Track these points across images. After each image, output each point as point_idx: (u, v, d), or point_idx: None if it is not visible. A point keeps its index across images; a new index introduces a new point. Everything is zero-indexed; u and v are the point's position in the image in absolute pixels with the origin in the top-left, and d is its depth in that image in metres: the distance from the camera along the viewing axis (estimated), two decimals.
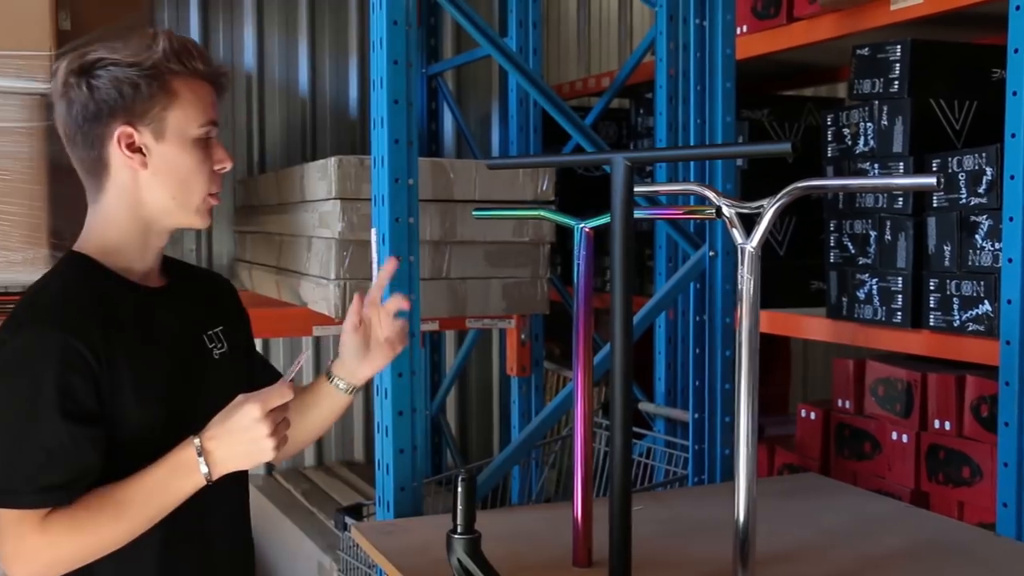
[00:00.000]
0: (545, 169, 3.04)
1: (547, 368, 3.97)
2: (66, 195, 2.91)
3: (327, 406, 1.84)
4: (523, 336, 3.48)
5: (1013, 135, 2.19)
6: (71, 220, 2.94)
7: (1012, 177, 2.20)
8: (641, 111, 3.80)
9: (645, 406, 3.52)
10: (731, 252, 2.70)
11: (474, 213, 2.16)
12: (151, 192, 1.57)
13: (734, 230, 1.76)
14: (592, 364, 1.99)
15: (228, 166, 1.61)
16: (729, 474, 2.77)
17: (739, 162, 3.06)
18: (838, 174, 2.79)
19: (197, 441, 1.46)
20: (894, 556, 2.03)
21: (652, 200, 2.66)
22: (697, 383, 2.75)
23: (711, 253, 2.68)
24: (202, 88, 1.57)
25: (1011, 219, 2.21)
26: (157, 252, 1.64)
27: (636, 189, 1.77)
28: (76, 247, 1.62)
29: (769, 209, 1.70)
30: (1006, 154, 2.21)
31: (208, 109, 1.57)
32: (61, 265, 1.61)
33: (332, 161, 2.90)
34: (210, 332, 1.69)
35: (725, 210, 1.76)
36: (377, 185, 2.31)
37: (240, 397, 1.48)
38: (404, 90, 2.27)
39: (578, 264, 1.96)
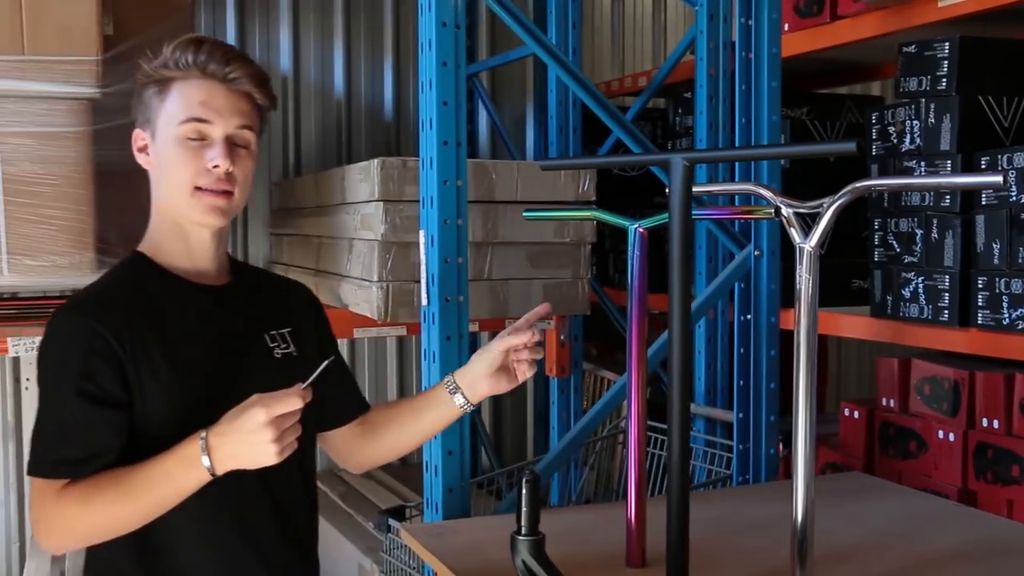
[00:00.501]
0: (587, 170, 3.04)
1: (585, 368, 3.97)
2: (112, 199, 2.94)
3: (436, 415, 1.87)
4: (563, 337, 3.48)
5: None
6: (117, 224, 2.97)
7: None
8: (680, 111, 3.79)
9: None
10: (776, 251, 2.69)
11: (524, 214, 2.17)
12: (159, 189, 1.68)
13: (792, 230, 1.76)
14: (646, 365, 1.99)
15: (221, 165, 1.61)
16: (774, 474, 2.77)
17: (782, 161, 3.05)
18: (883, 173, 2.78)
19: (203, 436, 1.48)
20: (950, 556, 2.02)
21: (697, 200, 2.65)
22: (742, 383, 2.74)
23: (756, 252, 2.67)
24: (195, 87, 1.61)
25: None
26: (206, 251, 1.69)
27: (694, 189, 1.77)
28: (139, 246, 1.73)
29: (829, 208, 1.70)
30: None
31: (193, 107, 1.60)
32: (120, 263, 1.73)
33: (375, 163, 2.91)
34: (274, 332, 1.74)
35: (784, 210, 1.76)
36: (426, 187, 2.32)
37: (253, 397, 1.48)
38: (453, 92, 2.27)
39: (632, 265, 1.96)
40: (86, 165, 2.84)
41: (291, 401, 1.46)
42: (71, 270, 2.83)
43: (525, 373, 1.82)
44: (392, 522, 2.96)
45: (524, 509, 1.55)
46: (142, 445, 1.54)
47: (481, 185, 2.98)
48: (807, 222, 1.77)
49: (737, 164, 2.72)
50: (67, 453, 1.52)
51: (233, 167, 1.62)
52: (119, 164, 2.98)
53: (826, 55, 3.29)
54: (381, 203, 2.90)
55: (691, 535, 1.82)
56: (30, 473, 1.54)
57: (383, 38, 4.39)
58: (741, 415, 2.74)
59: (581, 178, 3.09)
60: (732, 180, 2.95)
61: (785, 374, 2.77)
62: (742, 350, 2.73)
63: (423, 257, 2.36)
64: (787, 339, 2.81)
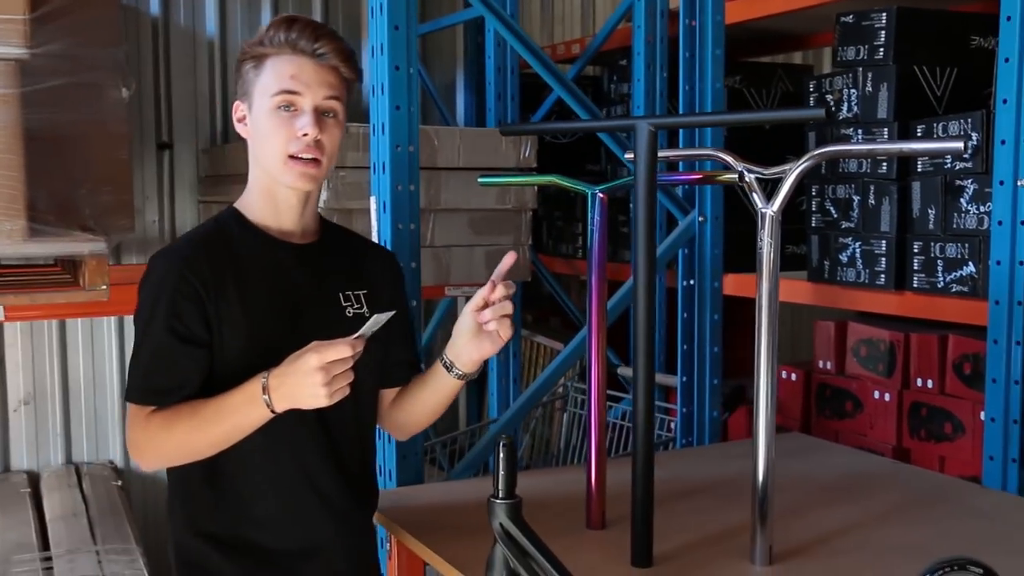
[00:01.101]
0: (529, 136, 3.04)
1: (521, 335, 4.00)
2: (44, 165, 2.83)
3: (436, 387, 1.90)
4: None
5: (1005, 101, 2.25)
6: (47, 190, 2.87)
7: (1003, 142, 2.26)
8: (615, 78, 3.81)
9: (623, 370, 3.56)
10: (719, 217, 2.73)
11: (480, 180, 2.16)
12: (254, 156, 1.80)
13: (754, 195, 1.79)
14: (606, 330, 2.02)
15: (310, 133, 1.71)
16: (717, 436, 2.83)
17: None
18: (820, 141, 2.84)
19: (265, 376, 1.62)
20: (896, 509, 2.10)
21: None
22: (685, 347, 2.79)
23: (701, 218, 2.71)
24: (288, 62, 1.73)
25: (1001, 183, 2.27)
26: (292, 212, 1.80)
27: (660, 154, 1.79)
28: (235, 203, 1.85)
29: (792, 174, 1.73)
30: (997, 119, 2.27)
31: (284, 80, 1.72)
32: (216, 216, 1.86)
33: None
34: (348, 292, 1.84)
35: (747, 175, 1.79)
36: (377, 152, 2.30)
37: (312, 343, 1.59)
38: (405, 56, 2.26)
39: (593, 230, 1.98)
40: (15, 129, 2.72)
41: (341, 349, 1.57)
42: (1, 238, 2.72)
43: (499, 332, 1.82)
44: None
45: (502, 473, 1.54)
46: (218, 381, 1.69)
47: (423, 152, 2.95)
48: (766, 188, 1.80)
49: (681, 131, 2.75)
50: (156, 383, 1.69)
51: (321, 135, 1.73)
52: (48, 128, 2.88)
53: (758, 24, 3.34)
54: None
55: None
56: (126, 399, 1.73)
57: (311, 1, 4.31)
58: (685, 379, 2.79)
59: (522, 145, 3.10)
60: (676, 147, 2.98)
61: (727, 338, 2.84)
62: (686, 315, 2.78)
63: (375, 224, 2.34)
64: (728, 304, 2.88)
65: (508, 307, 1.83)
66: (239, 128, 1.81)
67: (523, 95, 3.78)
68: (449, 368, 1.85)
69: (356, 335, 1.60)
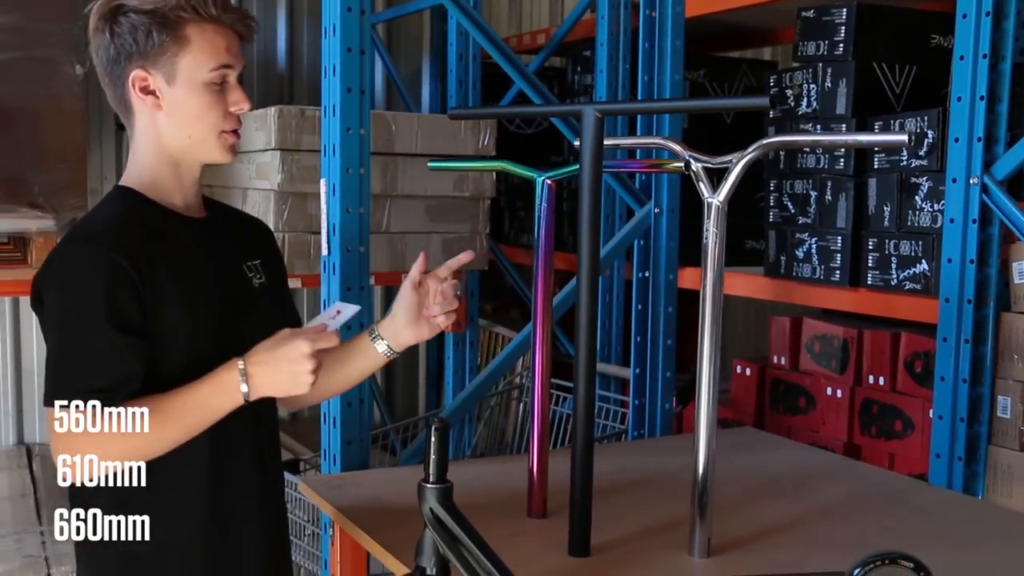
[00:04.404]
0: (487, 123, 3.02)
1: (479, 325, 3.97)
2: None
3: (362, 363, 1.86)
4: (459, 292, 3.45)
5: (959, 99, 2.25)
6: None
7: (956, 140, 2.26)
8: (579, 69, 3.79)
9: None
10: (675, 209, 2.72)
11: (429, 165, 2.14)
12: (168, 131, 1.65)
13: (700, 184, 1.77)
14: (551, 318, 2.00)
15: (245, 107, 1.66)
16: (669, 429, 2.82)
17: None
18: (780, 134, 2.83)
19: (241, 364, 1.55)
20: (839, 505, 2.10)
21: None
22: (639, 339, 2.77)
23: (656, 210, 2.70)
24: (217, 34, 1.63)
25: (954, 180, 2.27)
26: (194, 185, 1.71)
27: (606, 142, 1.77)
28: (121, 182, 1.71)
29: (738, 164, 1.72)
30: (951, 117, 2.27)
31: (220, 54, 1.62)
32: (108, 197, 1.71)
33: (272, 111, 2.83)
34: (249, 263, 1.77)
35: (693, 164, 1.77)
36: (328, 135, 2.27)
37: (288, 331, 1.58)
38: (357, 38, 2.22)
39: (539, 217, 1.95)
40: None
41: (330, 339, 1.59)
42: None
43: (440, 324, 1.82)
44: (287, 476, 2.92)
45: (432, 457, 1.52)
46: (157, 365, 1.59)
47: (380, 137, 2.94)
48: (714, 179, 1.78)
49: (639, 121, 2.73)
50: (95, 381, 1.53)
51: None
52: None
53: (723, 18, 3.32)
54: (278, 152, 2.83)
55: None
56: (53, 401, 1.54)
57: None
58: (638, 371, 2.78)
59: (481, 132, 3.07)
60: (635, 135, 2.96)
61: (682, 333, 2.83)
62: (640, 307, 2.76)
63: (324, 206, 2.31)
64: (682, 297, 2.86)
65: (455, 303, 1.85)
66: (140, 100, 1.63)
67: (488, 85, 3.75)
68: (375, 340, 1.81)
69: (331, 328, 1.62)
